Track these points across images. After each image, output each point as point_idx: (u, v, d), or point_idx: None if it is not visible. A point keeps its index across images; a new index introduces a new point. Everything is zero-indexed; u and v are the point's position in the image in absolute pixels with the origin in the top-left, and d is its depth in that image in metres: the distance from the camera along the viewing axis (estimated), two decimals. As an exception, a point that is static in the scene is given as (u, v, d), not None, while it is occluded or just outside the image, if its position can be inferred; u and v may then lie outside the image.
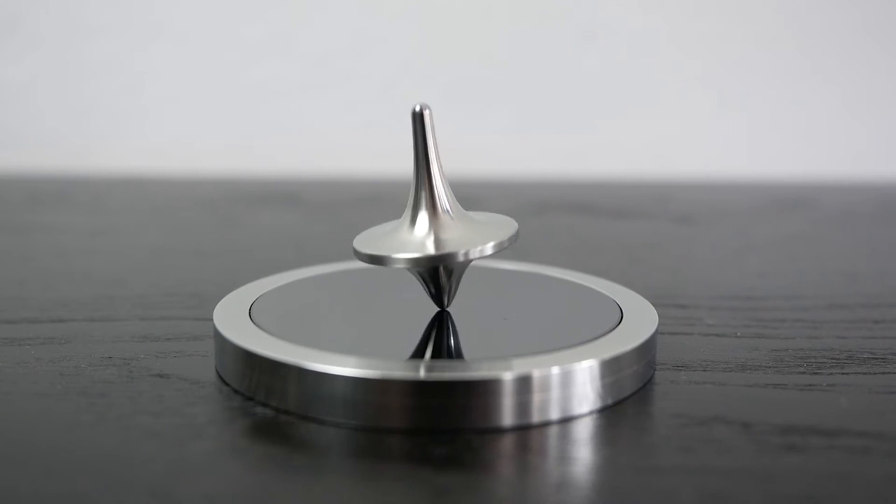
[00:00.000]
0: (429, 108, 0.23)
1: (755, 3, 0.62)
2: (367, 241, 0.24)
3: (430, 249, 0.23)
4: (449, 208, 0.24)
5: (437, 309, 0.25)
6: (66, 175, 0.60)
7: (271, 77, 0.62)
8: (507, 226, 0.24)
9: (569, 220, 0.49)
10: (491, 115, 0.62)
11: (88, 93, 0.62)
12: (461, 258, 0.23)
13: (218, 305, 0.26)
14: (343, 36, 0.62)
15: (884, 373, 0.25)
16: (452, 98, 0.62)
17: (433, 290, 0.25)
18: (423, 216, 0.24)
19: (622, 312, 0.25)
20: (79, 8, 0.61)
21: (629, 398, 0.23)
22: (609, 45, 0.62)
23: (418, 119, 0.23)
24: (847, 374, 0.25)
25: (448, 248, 0.23)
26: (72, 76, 0.62)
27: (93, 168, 0.61)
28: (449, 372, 0.21)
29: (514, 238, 0.24)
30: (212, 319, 0.25)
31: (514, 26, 0.62)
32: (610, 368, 0.22)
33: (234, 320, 0.24)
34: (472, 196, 0.51)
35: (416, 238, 0.24)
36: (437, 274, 0.24)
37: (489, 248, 0.23)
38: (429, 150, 0.24)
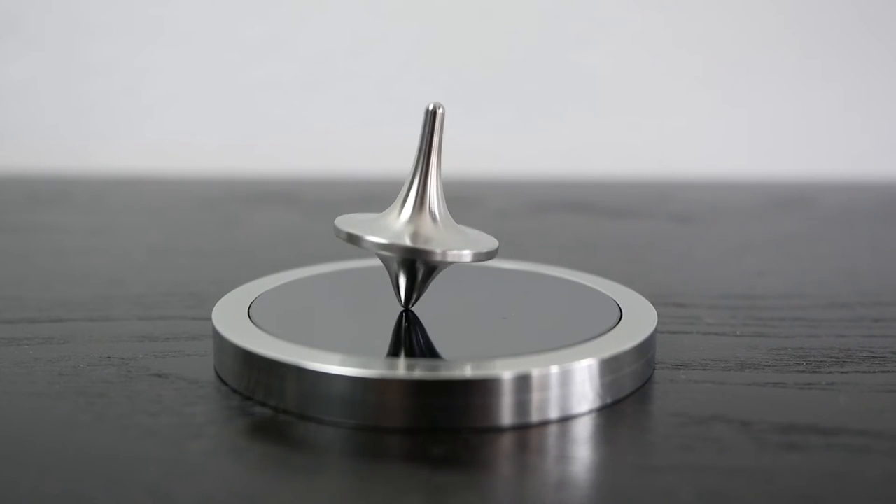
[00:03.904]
0: (443, 108, 0.24)
1: (755, 3, 0.62)
2: (348, 222, 0.24)
3: (408, 241, 0.23)
4: (437, 210, 0.24)
5: (435, 308, 0.25)
6: (66, 174, 0.60)
7: (271, 77, 0.62)
8: (487, 241, 0.24)
9: (568, 220, 0.49)
10: (490, 115, 0.62)
11: (88, 92, 0.62)
12: (438, 257, 0.23)
13: (217, 305, 0.26)
14: (343, 36, 0.62)
15: (883, 371, 0.25)
16: (452, 97, 0.62)
17: (405, 286, 0.25)
18: (409, 210, 0.24)
19: (621, 311, 0.25)
20: (79, 8, 0.61)
21: (628, 397, 0.23)
22: (608, 45, 0.62)
23: (431, 117, 0.24)
24: (846, 372, 0.25)
25: (426, 245, 0.23)
26: (72, 76, 0.62)
27: (92, 168, 0.61)
28: (447, 371, 0.21)
29: (493, 254, 0.24)
30: (210, 319, 0.25)
31: (514, 26, 0.62)
32: (609, 367, 0.22)
33: (232, 320, 0.24)
34: (472, 195, 0.52)
35: (397, 227, 0.24)
36: (413, 270, 0.24)
37: (467, 255, 0.23)
38: (433, 148, 0.24)
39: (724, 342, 0.27)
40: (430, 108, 0.24)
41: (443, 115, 0.24)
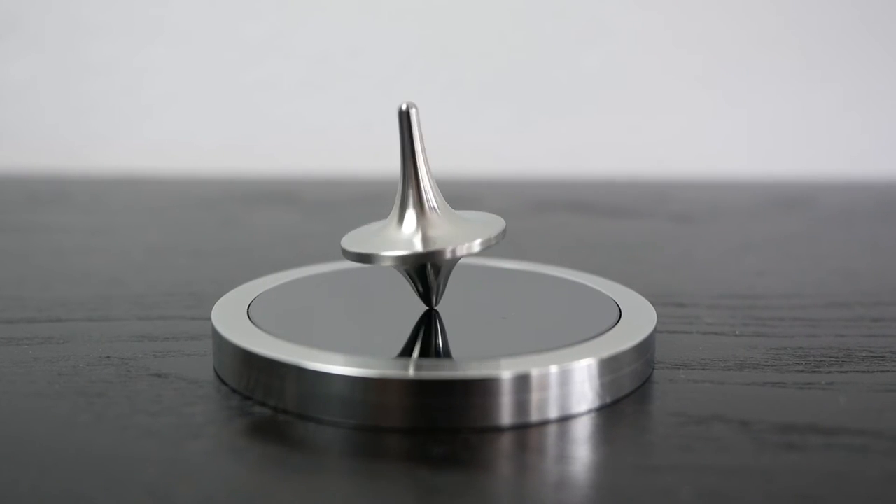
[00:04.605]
0: (415, 107, 0.23)
1: (755, 3, 0.62)
2: (355, 240, 0.24)
3: (418, 247, 0.23)
4: (436, 206, 0.24)
5: (434, 308, 0.25)
6: (65, 174, 0.60)
7: (271, 77, 0.62)
8: (494, 223, 0.24)
9: (568, 219, 0.49)
10: (490, 115, 0.62)
11: (88, 92, 0.62)
12: (448, 255, 0.23)
13: (216, 305, 0.26)
14: (343, 36, 0.62)
15: (882, 371, 0.25)
16: (452, 97, 0.62)
17: (421, 289, 0.25)
18: (410, 214, 0.24)
19: (621, 311, 0.25)
20: (79, 8, 0.61)
21: (628, 397, 0.23)
22: (608, 45, 0.62)
23: (404, 118, 0.23)
24: (846, 372, 0.25)
25: (435, 246, 0.23)
26: (72, 76, 0.62)
27: (91, 167, 0.61)
28: (447, 371, 0.21)
29: (502, 235, 0.24)
30: (210, 319, 0.25)
31: (514, 26, 0.62)
32: (608, 367, 0.22)
33: (232, 320, 0.24)
34: (471, 195, 0.51)
35: (404, 236, 0.24)
36: (425, 272, 0.24)
37: (476, 246, 0.23)
38: (415, 148, 0.24)
39: (723, 342, 0.27)
40: (403, 108, 0.23)
41: (416, 113, 0.24)
